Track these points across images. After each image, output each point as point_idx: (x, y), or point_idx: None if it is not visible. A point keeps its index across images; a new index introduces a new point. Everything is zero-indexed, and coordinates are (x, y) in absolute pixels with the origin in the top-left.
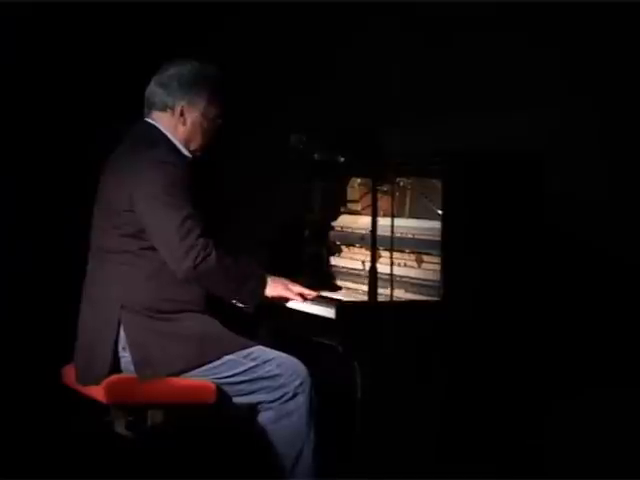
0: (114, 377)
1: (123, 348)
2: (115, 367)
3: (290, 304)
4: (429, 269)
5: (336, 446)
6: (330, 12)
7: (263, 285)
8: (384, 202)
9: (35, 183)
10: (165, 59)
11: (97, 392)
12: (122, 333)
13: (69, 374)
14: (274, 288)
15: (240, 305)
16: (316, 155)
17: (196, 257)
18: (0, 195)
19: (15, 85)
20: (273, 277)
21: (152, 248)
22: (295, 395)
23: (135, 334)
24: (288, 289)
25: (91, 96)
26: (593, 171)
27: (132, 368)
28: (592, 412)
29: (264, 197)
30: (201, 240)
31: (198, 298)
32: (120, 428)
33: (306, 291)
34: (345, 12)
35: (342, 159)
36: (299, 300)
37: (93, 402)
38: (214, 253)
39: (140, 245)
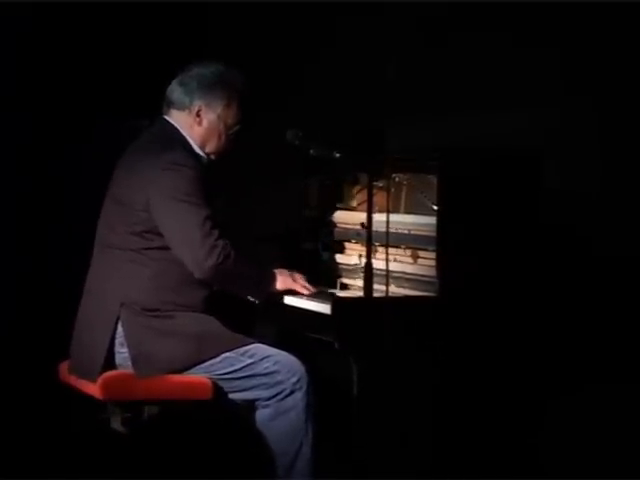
0: (110, 373)
1: (121, 344)
2: (110, 362)
3: (287, 300)
4: (425, 265)
5: (333, 442)
6: (330, 12)
7: (274, 281)
8: (380, 198)
9: (34, 179)
10: (164, 59)
11: (93, 388)
12: (120, 329)
13: (66, 371)
14: (282, 281)
15: (250, 299)
16: (312, 151)
17: (219, 256)
18: (1, 191)
19: (16, 84)
20: (279, 270)
21: (157, 249)
22: (292, 392)
23: (134, 331)
24: (294, 281)
25: (90, 95)
26: (591, 168)
27: (128, 364)
28: (591, 410)
29: (260, 193)
30: (221, 241)
31: (198, 303)
32: (116, 424)
33: (307, 284)
34: (345, 12)
35: (338, 155)
36: (304, 292)
37: (89, 398)
38: (232, 254)
39: (146, 245)
